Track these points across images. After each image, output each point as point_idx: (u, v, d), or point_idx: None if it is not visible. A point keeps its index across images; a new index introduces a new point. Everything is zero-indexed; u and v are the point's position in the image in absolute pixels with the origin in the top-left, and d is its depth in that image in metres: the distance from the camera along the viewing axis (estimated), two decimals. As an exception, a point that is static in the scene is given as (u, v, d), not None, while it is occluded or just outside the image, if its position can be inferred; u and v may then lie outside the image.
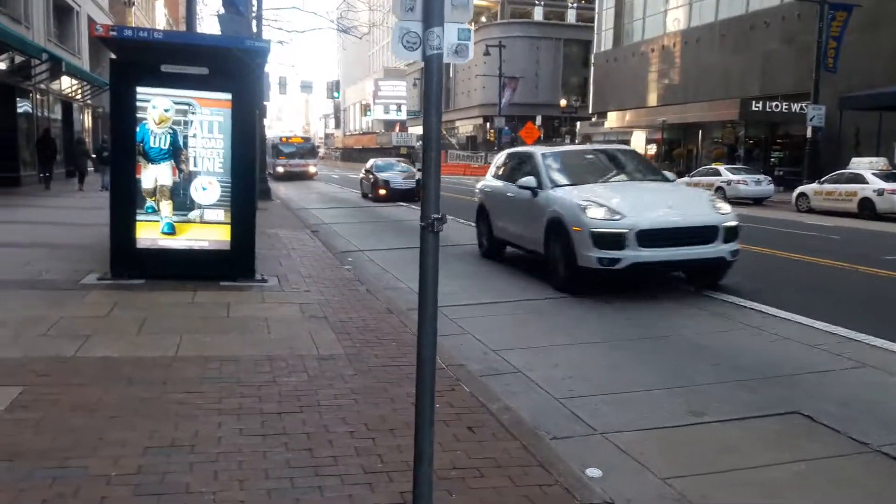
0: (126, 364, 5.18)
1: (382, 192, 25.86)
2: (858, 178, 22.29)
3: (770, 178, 28.63)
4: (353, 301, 7.90)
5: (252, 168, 8.59)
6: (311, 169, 45.33)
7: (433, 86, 2.87)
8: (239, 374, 5.11)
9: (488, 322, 7.63)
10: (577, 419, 4.98)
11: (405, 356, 5.80)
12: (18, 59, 22.78)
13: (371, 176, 27.36)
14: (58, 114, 29.64)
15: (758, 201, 27.72)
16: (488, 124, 64.87)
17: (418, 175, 27.14)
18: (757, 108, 33.08)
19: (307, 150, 47.09)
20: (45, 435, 3.84)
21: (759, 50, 34.96)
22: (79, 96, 32.09)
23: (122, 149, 8.19)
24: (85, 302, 7.15)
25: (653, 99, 43.32)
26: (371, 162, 29.90)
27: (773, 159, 35.96)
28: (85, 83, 30.37)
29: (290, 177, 43.00)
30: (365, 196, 28.05)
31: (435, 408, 3.16)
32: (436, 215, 2.90)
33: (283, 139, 47.06)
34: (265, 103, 23.23)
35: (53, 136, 25.01)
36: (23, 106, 24.55)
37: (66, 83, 29.98)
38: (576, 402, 5.28)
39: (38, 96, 26.16)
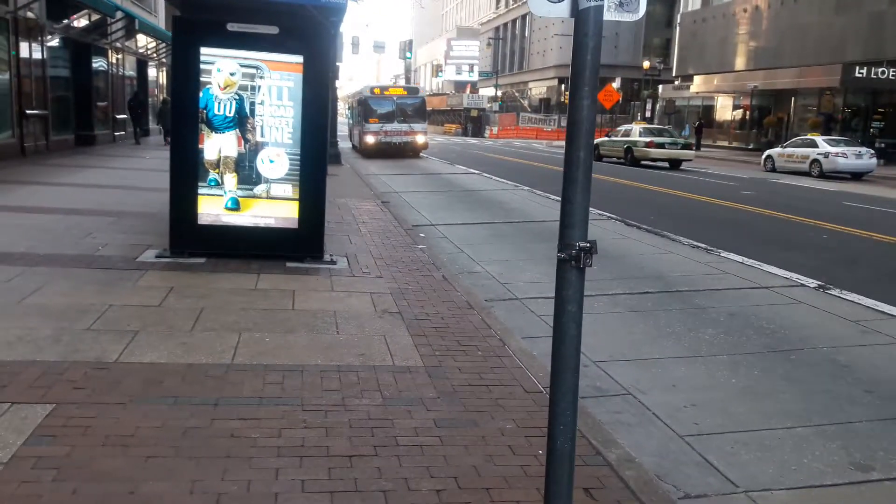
0: (174, 374, 4.47)
1: None
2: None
3: (872, 151, 26.38)
4: (429, 290, 7.06)
5: (324, 140, 7.77)
6: (420, 139, 29.62)
7: (587, 54, 1.92)
8: (303, 391, 4.33)
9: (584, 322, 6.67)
10: (710, 468, 4.03)
11: (493, 371, 4.93)
12: (94, 16, 22.56)
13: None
14: (133, 71, 29.60)
15: (857, 176, 25.60)
16: (563, 86, 62.73)
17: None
18: (860, 75, 30.54)
19: (415, 108, 30.24)
20: (65, 488, 3.13)
21: (865, 10, 32.14)
22: (154, 55, 32.02)
23: (183, 116, 7.47)
24: (138, 286, 6.52)
25: (742, 62, 40.69)
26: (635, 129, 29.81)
27: (872, 130, 33.28)
28: (160, 41, 30.18)
29: (386, 152, 28.87)
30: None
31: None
32: (583, 243, 1.97)
33: (377, 91, 30.91)
34: (337, 64, 22.42)
35: (142, 98, 28.94)
36: (98, 63, 24.44)
37: (142, 41, 29.88)
38: (705, 443, 4.32)
39: (114, 55, 26.04)
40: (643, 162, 28.12)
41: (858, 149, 26.05)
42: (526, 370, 4.97)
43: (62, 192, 12.42)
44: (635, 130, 29.53)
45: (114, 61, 26.08)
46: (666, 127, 35.33)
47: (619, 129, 32.59)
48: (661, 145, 27.60)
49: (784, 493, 3.82)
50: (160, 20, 32.17)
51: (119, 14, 23.03)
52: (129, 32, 25.58)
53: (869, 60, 30.99)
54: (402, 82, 71.59)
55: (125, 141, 26.71)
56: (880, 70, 30.25)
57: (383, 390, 4.46)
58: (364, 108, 30.00)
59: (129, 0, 27.44)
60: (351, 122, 37.74)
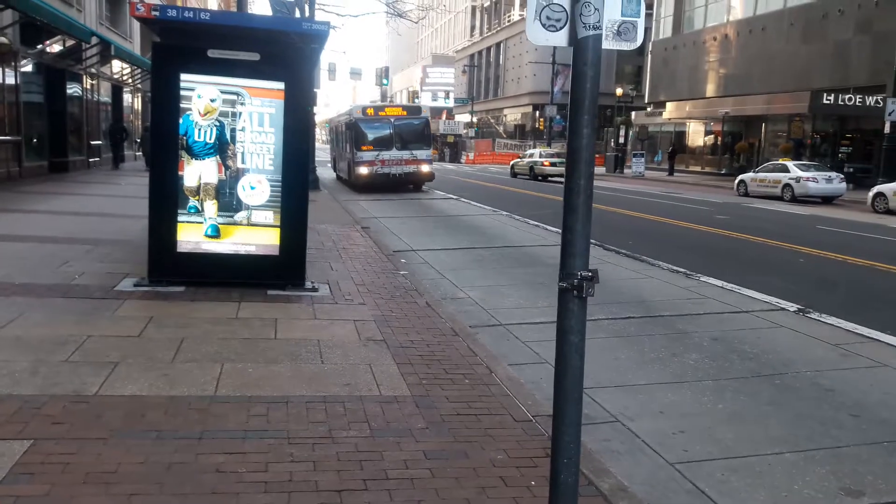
0: (156, 407, 4.36)
1: None
2: (945, 179, 20.59)
3: (842, 176, 26.88)
4: (413, 317, 7.01)
5: (305, 166, 7.74)
6: (424, 168, 24.72)
7: (587, 83, 1.92)
8: (289, 424, 4.25)
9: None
10: (702, 496, 4.01)
11: (481, 400, 4.89)
12: (69, 42, 22.41)
13: None
14: (108, 97, 29.38)
15: (827, 200, 26.05)
16: (537, 112, 63.34)
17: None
18: (828, 101, 31.17)
19: (417, 131, 25.00)
20: (48, 522, 3.02)
21: (831, 40, 32.94)
22: (129, 80, 31.83)
23: (163, 142, 7.40)
24: (117, 316, 6.39)
25: (713, 89, 41.42)
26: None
27: (841, 155, 33.95)
28: (135, 67, 30.03)
29: (383, 185, 24.06)
30: None
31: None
32: (585, 273, 1.95)
33: (370, 111, 25.11)
34: (315, 90, 22.46)
35: (122, 125, 30.04)
36: (73, 89, 24.22)
37: (117, 67, 29.71)
38: (695, 470, 4.30)
39: (88, 80, 25.84)
40: (541, 177, 35.31)
41: (828, 173, 26.54)
42: (514, 398, 4.93)
43: (36, 219, 12.20)
44: (537, 153, 38.18)
45: (88, 87, 25.88)
46: (562, 151, 40.14)
47: (526, 152, 42.08)
48: (554, 164, 34.89)
49: (777, 520, 3.80)
50: (136, 46, 32.05)
51: (94, 39, 22.88)
52: (105, 58, 25.43)
53: (836, 87, 31.68)
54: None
55: (101, 167, 26.48)
56: (847, 97, 30.90)
57: (371, 421, 4.38)
58: (355, 133, 24.19)
59: (104, 26, 27.32)
60: (335, 149, 32.06)
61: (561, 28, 2.11)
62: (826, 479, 4.26)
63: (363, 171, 23.88)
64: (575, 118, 2.02)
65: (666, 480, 4.18)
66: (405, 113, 25.53)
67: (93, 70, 25.94)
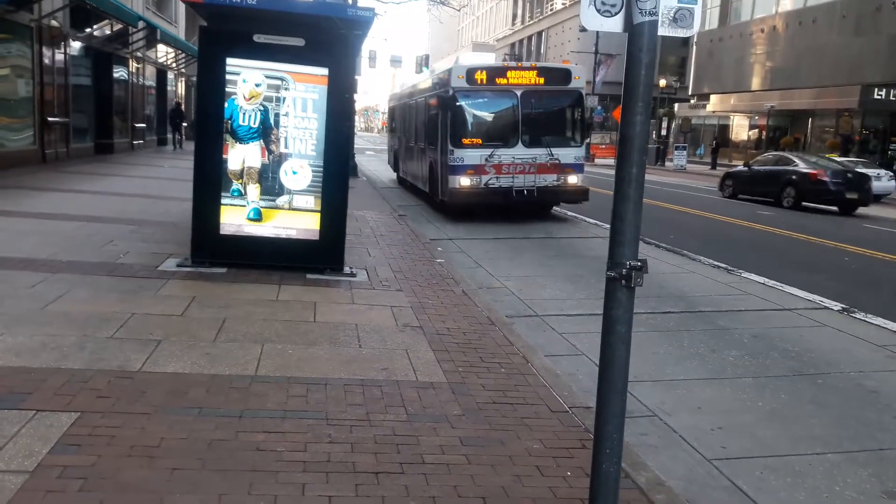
0: (198, 384, 4.44)
1: None
2: None
3: (891, 174, 26.15)
4: (449, 305, 7.02)
5: (347, 153, 7.80)
6: (571, 180, 14.65)
7: (641, 69, 1.90)
8: (328, 405, 4.30)
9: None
10: (739, 493, 3.96)
11: (517, 389, 4.88)
12: (116, 26, 22.80)
13: None
14: (152, 81, 29.86)
15: (876, 198, 25.35)
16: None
17: None
18: (879, 97, 30.36)
19: (560, 114, 15.21)
20: (91, 499, 3.10)
21: (884, 32, 31.96)
22: (174, 65, 32.31)
23: (208, 126, 7.50)
24: (160, 295, 6.51)
25: (759, 83, 40.55)
26: None
27: (890, 152, 33.02)
28: (180, 52, 30.46)
29: (493, 207, 14.72)
30: None
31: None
32: (633, 262, 1.93)
33: (480, 77, 14.21)
34: (356, 77, 22.52)
35: (181, 109, 31.00)
36: (119, 72, 24.67)
37: (162, 51, 30.16)
38: (734, 467, 4.24)
39: (134, 64, 26.29)
40: None
41: (876, 171, 25.83)
42: (550, 389, 4.91)
43: (83, 199, 12.49)
44: None
45: (134, 70, 26.32)
46: None
47: None
48: None
49: (817, 521, 3.74)
50: (181, 31, 32.49)
51: (141, 24, 23.25)
52: (151, 42, 25.84)
53: (888, 82, 30.81)
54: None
55: (145, 149, 27.00)
56: (900, 92, 30.07)
57: (407, 406, 4.41)
58: (450, 115, 14.20)
59: (150, 10, 27.75)
60: (400, 138, 21.68)
61: (616, 13, 2.09)
62: (868, 481, 4.17)
63: (462, 183, 13.93)
64: (628, 106, 2.00)
65: (703, 476, 4.14)
66: (542, 80, 14.28)
67: (138, 54, 26.37)
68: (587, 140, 16.67)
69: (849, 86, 32.09)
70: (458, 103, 14.09)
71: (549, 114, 14.86)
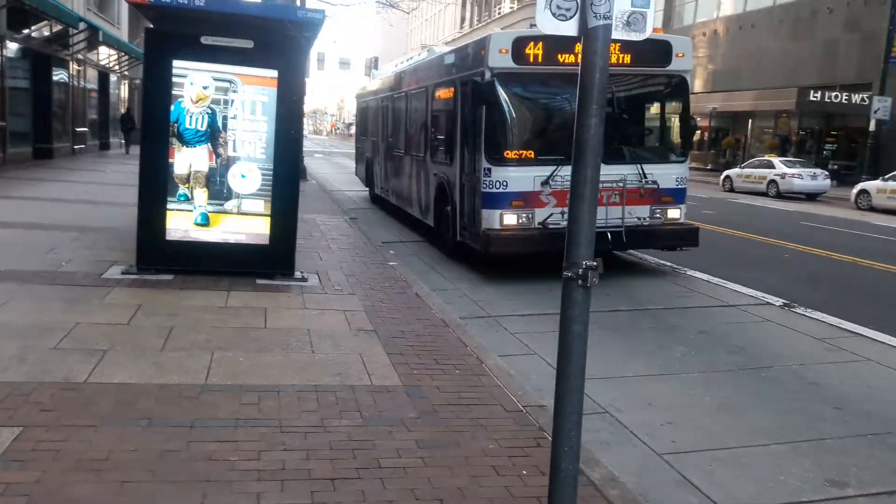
0: (146, 395, 4.35)
1: None
2: (928, 177, 20.79)
3: (826, 173, 27.12)
4: (403, 308, 7.02)
5: (297, 156, 7.74)
6: (672, 214, 9.60)
7: (596, 72, 1.93)
8: (280, 413, 4.25)
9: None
10: (690, 486, 4.06)
11: (472, 390, 4.91)
12: (55, 27, 22.15)
13: None
14: (94, 84, 29.08)
15: (811, 197, 26.27)
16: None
17: None
18: (815, 99, 31.38)
19: (649, 112, 10.41)
20: (39, 508, 3.01)
21: (819, 37, 33.13)
22: (117, 67, 31.52)
23: (153, 129, 7.35)
24: (105, 303, 6.35)
25: (701, 85, 41.55)
26: None
27: (825, 152, 34.24)
28: (122, 54, 29.74)
29: (545, 254, 8.77)
30: None
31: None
32: (590, 262, 1.96)
33: (533, 51, 8.75)
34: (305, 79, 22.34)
35: (132, 114, 29.48)
36: (59, 75, 23.96)
37: (104, 53, 29.40)
38: (684, 461, 4.35)
39: (75, 66, 25.56)
40: None
41: (813, 170, 26.75)
42: (504, 389, 4.95)
43: (21, 205, 12.09)
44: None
45: (74, 73, 25.60)
46: None
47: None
48: None
49: (764, 511, 3.86)
50: (124, 32, 31.74)
51: (82, 25, 22.64)
52: (92, 44, 25.16)
53: (823, 85, 31.91)
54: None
55: (86, 154, 26.27)
56: (833, 94, 31.13)
57: (363, 411, 4.40)
58: (485, 111, 9.09)
59: (92, 11, 27.03)
60: (372, 145, 17.55)
61: (571, 17, 2.13)
62: (811, 470, 4.32)
63: (506, 221, 9.12)
64: (583, 108, 2.04)
65: (654, 471, 4.23)
66: (627, 58, 9.40)
67: (80, 56, 25.66)
68: (690, 146, 10.98)
69: (786, 88, 33.11)
70: (498, 93, 8.83)
71: (638, 110, 10.29)
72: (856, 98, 30.19)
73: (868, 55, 28.84)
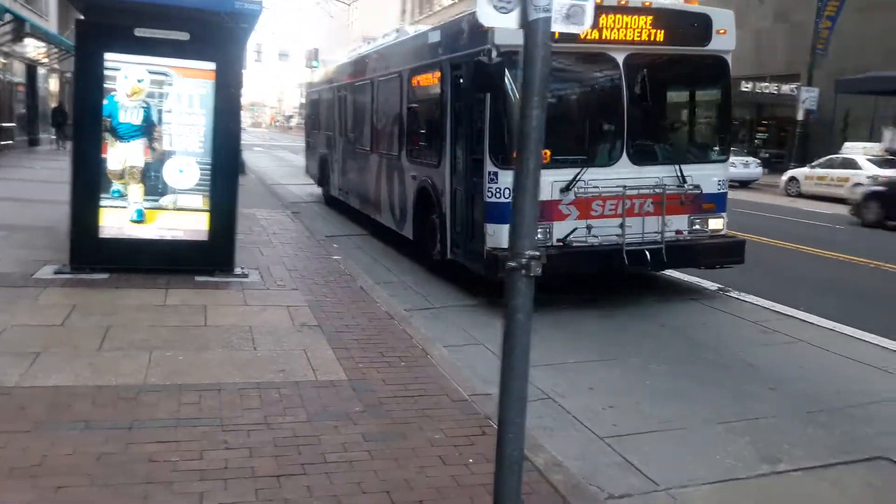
0: (83, 397, 4.23)
1: None
2: (852, 164, 21.57)
3: (758, 161, 28.02)
4: (347, 302, 6.98)
5: (236, 149, 7.60)
6: (714, 224, 8.00)
7: (537, 65, 1.94)
8: (222, 411, 4.19)
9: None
10: (630, 468, 4.16)
11: (417, 382, 4.93)
12: (-23, 18, 21.18)
13: None
14: (22, 78, 27.94)
15: (744, 184, 27.07)
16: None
17: None
18: (746, 89, 32.33)
19: (686, 100, 8.81)
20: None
21: (749, 28, 34.10)
22: (46, 60, 30.34)
23: (85, 124, 7.13)
24: (38, 304, 6.14)
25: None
26: None
27: (757, 141, 35.35)
28: (52, 46, 28.64)
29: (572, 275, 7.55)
30: None
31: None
32: (532, 252, 1.99)
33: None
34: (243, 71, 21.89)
35: (64, 109, 28.68)
36: (-18, 68, 22.97)
37: (32, 46, 28.24)
38: (625, 444, 4.46)
39: (0, 59, 24.51)
40: None
41: (746, 158, 27.59)
42: (450, 379, 4.98)
43: (-56, 205, 11.58)
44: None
45: (0, 67, 24.55)
46: None
47: None
48: None
49: (702, 488, 3.98)
50: (52, 24, 30.55)
51: (8, 16, 21.68)
52: (19, 36, 24.13)
53: (754, 75, 32.91)
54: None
55: (14, 150, 25.24)
56: (764, 85, 32.18)
57: (307, 406, 4.36)
58: (490, 101, 7.30)
59: (18, 2, 25.94)
60: (327, 140, 15.64)
61: (512, 10, 2.15)
62: (746, 448, 4.48)
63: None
64: (526, 100, 2.06)
65: (596, 454, 4.32)
66: (660, 35, 7.61)
67: (5, 49, 24.60)
68: (729, 143, 8.95)
69: (720, 79, 34.03)
70: (507, 78, 6.88)
71: (673, 100, 8.87)
72: (785, 88, 31.26)
73: (796, 46, 29.83)
